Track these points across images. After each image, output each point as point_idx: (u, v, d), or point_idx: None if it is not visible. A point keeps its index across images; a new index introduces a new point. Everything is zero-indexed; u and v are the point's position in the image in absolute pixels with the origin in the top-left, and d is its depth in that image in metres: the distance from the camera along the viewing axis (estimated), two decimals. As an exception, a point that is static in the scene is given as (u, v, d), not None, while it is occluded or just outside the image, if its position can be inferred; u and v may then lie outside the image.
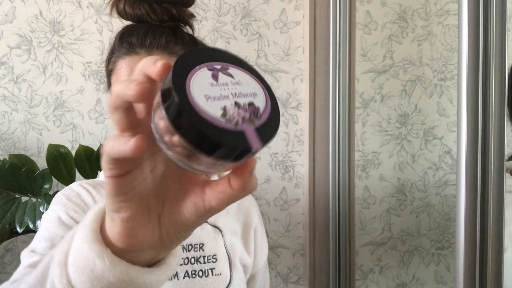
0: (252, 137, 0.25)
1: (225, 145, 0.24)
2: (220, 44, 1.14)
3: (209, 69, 0.27)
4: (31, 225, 0.91)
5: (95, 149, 0.99)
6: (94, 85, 1.11)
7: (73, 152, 0.98)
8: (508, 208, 0.67)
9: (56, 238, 0.56)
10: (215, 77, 0.26)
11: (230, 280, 0.66)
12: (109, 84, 0.66)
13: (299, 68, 1.17)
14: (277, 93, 1.17)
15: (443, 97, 1.23)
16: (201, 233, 0.66)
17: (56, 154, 0.96)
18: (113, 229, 0.30)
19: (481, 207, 0.67)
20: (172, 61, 0.26)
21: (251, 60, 1.16)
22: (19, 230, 0.91)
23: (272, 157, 1.19)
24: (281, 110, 1.18)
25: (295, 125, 1.19)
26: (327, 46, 1.10)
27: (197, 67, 0.26)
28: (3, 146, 1.09)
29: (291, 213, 1.20)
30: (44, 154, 1.03)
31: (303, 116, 1.18)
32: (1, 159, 0.95)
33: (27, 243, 1.10)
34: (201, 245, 0.66)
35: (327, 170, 1.11)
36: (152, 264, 0.33)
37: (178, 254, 0.36)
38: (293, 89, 1.18)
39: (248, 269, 0.74)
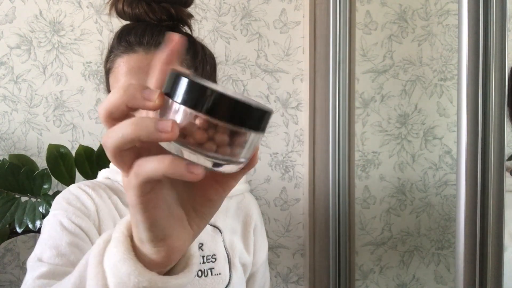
0: (262, 105, 0.28)
1: (263, 110, 0.27)
2: (220, 44, 1.14)
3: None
4: (30, 225, 0.91)
5: (95, 149, 0.99)
6: (94, 85, 1.11)
7: (73, 152, 0.98)
8: (508, 207, 0.67)
9: (60, 245, 0.56)
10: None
11: (229, 279, 0.66)
12: (107, 83, 0.66)
13: (299, 68, 1.17)
14: (277, 93, 1.17)
15: (443, 97, 1.23)
16: (201, 233, 0.66)
17: (56, 154, 0.96)
18: (159, 255, 0.32)
19: (481, 207, 0.67)
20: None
21: (251, 60, 1.16)
22: (18, 230, 0.91)
23: (272, 157, 1.19)
24: (281, 110, 1.18)
25: (295, 125, 1.19)
26: (327, 46, 1.10)
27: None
28: (3, 146, 1.09)
29: (291, 213, 1.20)
30: (44, 154, 1.03)
31: (303, 116, 1.18)
32: (1, 159, 0.95)
33: (27, 243, 1.10)
34: (200, 245, 0.66)
35: (327, 170, 1.11)
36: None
37: (196, 255, 0.38)
38: (293, 89, 1.18)
39: (248, 268, 0.74)
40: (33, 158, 1.03)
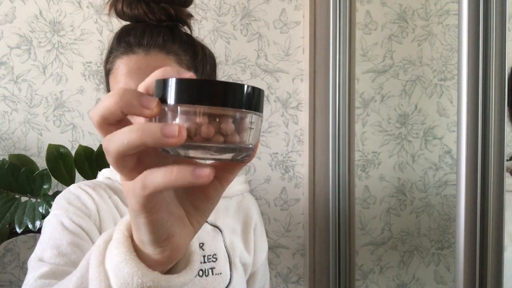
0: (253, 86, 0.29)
1: (257, 88, 0.28)
2: (220, 44, 1.14)
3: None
4: (30, 226, 0.91)
5: (95, 149, 0.99)
6: (94, 85, 1.11)
7: (73, 152, 0.98)
8: (508, 208, 0.67)
9: (61, 245, 0.56)
10: None
11: (230, 279, 0.66)
12: (107, 84, 0.66)
13: (299, 68, 1.17)
14: (277, 93, 1.17)
15: (443, 97, 1.23)
16: (201, 233, 0.66)
17: (56, 154, 0.96)
18: (162, 254, 0.32)
19: (481, 207, 0.67)
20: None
21: (251, 60, 1.16)
22: (18, 230, 0.91)
23: (272, 157, 1.19)
24: (281, 110, 1.18)
25: (295, 125, 1.19)
26: (327, 46, 1.10)
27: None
28: (3, 146, 1.09)
29: (291, 213, 1.20)
30: (44, 154, 1.03)
31: (303, 116, 1.18)
32: (1, 159, 0.95)
33: (27, 243, 1.10)
34: (201, 244, 0.66)
35: (327, 170, 1.11)
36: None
37: (197, 251, 0.38)
38: (293, 89, 1.18)
39: (248, 268, 0.74)
40: (33, 158, 1.03)
